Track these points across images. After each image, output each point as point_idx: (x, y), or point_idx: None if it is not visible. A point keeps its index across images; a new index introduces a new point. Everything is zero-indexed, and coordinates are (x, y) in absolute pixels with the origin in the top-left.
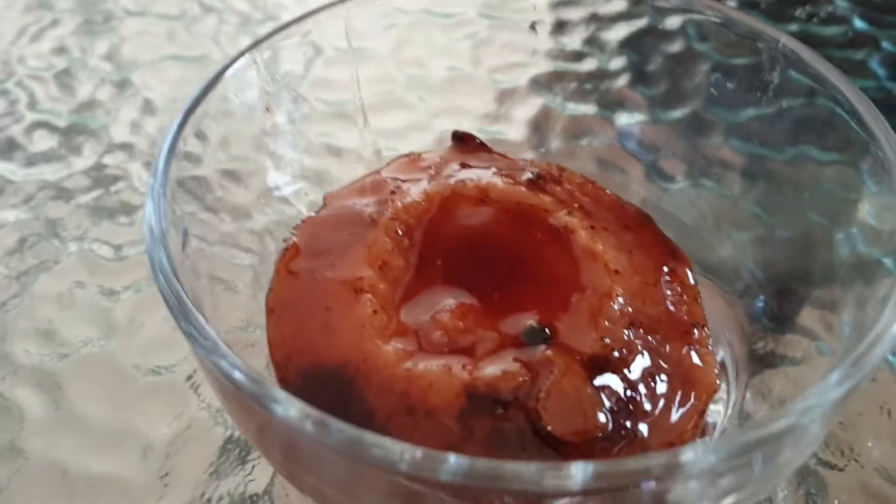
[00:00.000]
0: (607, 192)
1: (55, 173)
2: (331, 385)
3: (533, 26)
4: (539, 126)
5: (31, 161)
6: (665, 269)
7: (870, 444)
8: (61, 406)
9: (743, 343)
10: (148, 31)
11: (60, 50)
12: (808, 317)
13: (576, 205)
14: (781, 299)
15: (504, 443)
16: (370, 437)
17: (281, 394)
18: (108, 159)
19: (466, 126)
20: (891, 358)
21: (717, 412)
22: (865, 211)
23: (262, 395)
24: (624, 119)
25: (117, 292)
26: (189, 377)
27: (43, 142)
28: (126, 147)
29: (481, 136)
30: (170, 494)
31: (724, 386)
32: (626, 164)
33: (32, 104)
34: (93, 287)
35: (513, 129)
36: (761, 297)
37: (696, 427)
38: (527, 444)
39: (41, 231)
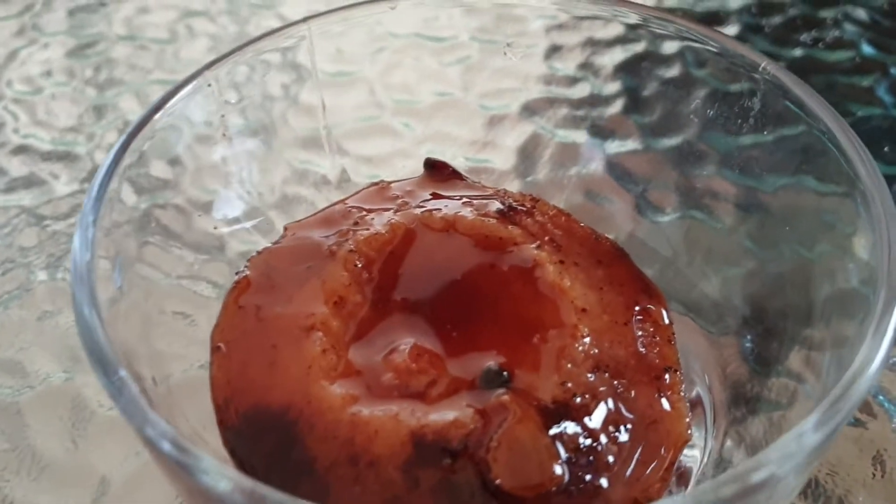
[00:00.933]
0: (581, 224)
1: (33, 199)
2: (271, 429)
3: (505, 52)
4: (527, 154)
5: (11, 187)
6: (637, 308)
7: (861, 500)
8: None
9: (725, 386)
10: (136, 55)
11: (48, 74)
12: (794, 358)
13: (546, 237)
14: (768, 339)
15: (452, 496)
16: None
17: (210, 463)
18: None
19: (452, 154)
20: (887, 405)
21: (693, 458)
22: (860, 245)
23: (189, 465)
24: (615, 147)
25: None
26: None
27: (24, 167)
28: None
29: (468, 164)
30: None
31: (702, 430)
32: (615, 195)
33: (16, 128)
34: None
35: (500, 157)
36: (748, 336)
37: (665, 481)
38: (475, 498)
39: (14, 258)
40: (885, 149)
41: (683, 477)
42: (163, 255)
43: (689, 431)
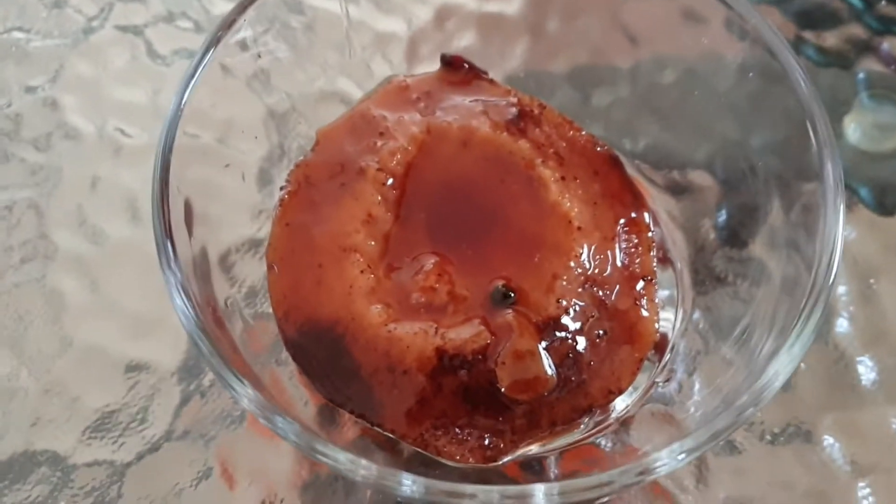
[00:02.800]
0: (582, 132)
1: None
2: (323, 341)
3: None
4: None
5: None
6: (623, 220)
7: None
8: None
9: (697, 263)
10: None
11: None
12: (762, 237)
13: (551, 150)
14: (741, 214)
15: (468, 398)
16: None
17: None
18: None
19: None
20: None
21: (667, 320)
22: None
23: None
24: None
25: None
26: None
27: None
28: None
29: (477, 9)
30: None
31: (677, 295)
32: (619, 52)
33: None
34: None
35: (509, 5)
36: (724, 210)
37: (634, 374)
38: (486, 399)
39: None
40: None
41: (660, 343)
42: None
43: (658, 333)
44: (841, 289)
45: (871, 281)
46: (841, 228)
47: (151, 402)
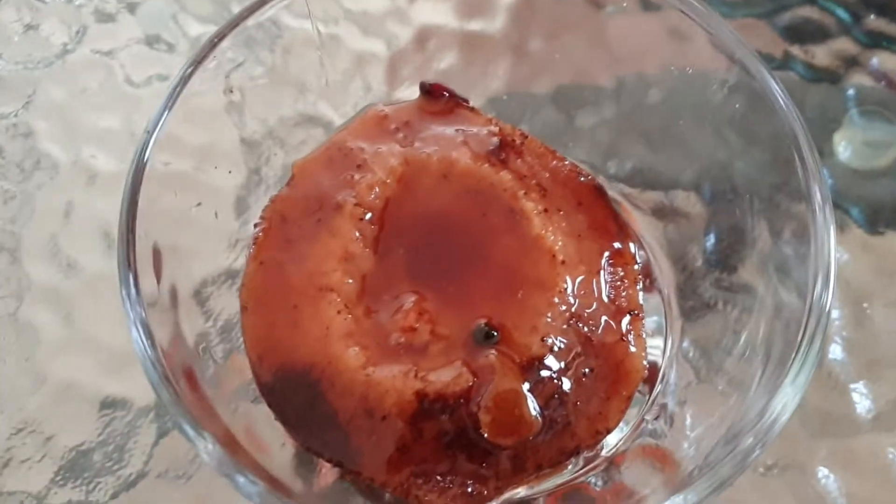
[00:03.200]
0: (566, 162)
1: None
2: (299, 386)
3: None
4: (521, 18)
5: None
6: (608, 253)
7: None
8: None
9: (685, 290)
10: None
11: None
12: (751, 261)
13: (533, 182)
14: (730, 238)
15: (450, 443)
16: None
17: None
18: None
19: (442, 12)
20: None
21: (656, 348)
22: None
23: None
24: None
25: None
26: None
27: None
28: None
29: (459, 29)
30: None
31: (665, 323)
32: (603, 72)
33: None
34: None
35: (491, 24)
36: (712, 233)
37: (622, 412)
38: (469, 444)
39: None
40: None
41: (650, 374)
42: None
43: (646, 370)
44: (834, 313)
45: (865, 305)
46: (833, 254)
47: (127, 440)
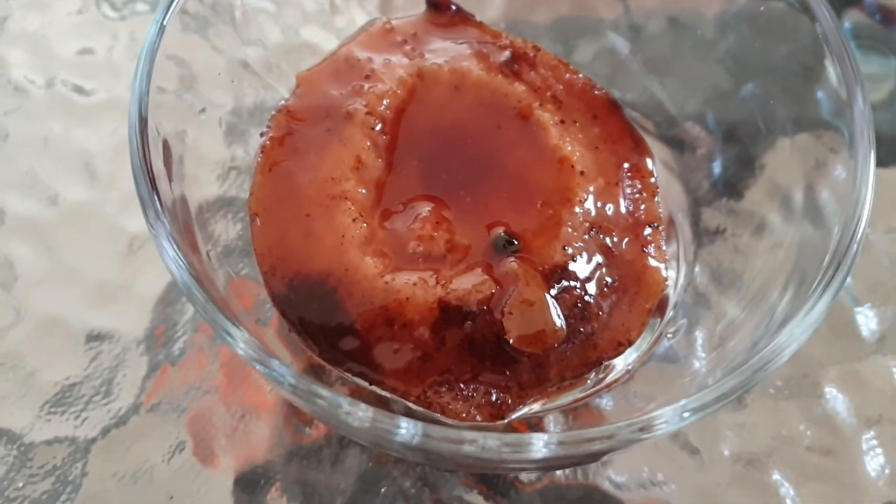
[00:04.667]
0: (580, 75)
1: None
2: (315, 295)
3: None
4: None
5: None
6: (627, 165)
7: None
8: None
9: (695, 214)
10: None
11: None
12: (759, 188)
13: (548, 93)
14: (737, 165)
15: (473, 351)
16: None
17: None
18: None
19: None
20: None
21: (670, 277)
22: (832, 74)
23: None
24: None
25: None
26: None
27: None
28: None
29: None
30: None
31: (678, 249)
32: (603, 3)
33: None
34: None
35: None
36: (718, 161)
37: (644, 324)
38: (492, 353)
39: None
40: None
41: (661, 304)
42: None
43: (666, 280)
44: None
45: (868, 231)
46: (872, 183)
47: (116, 373)
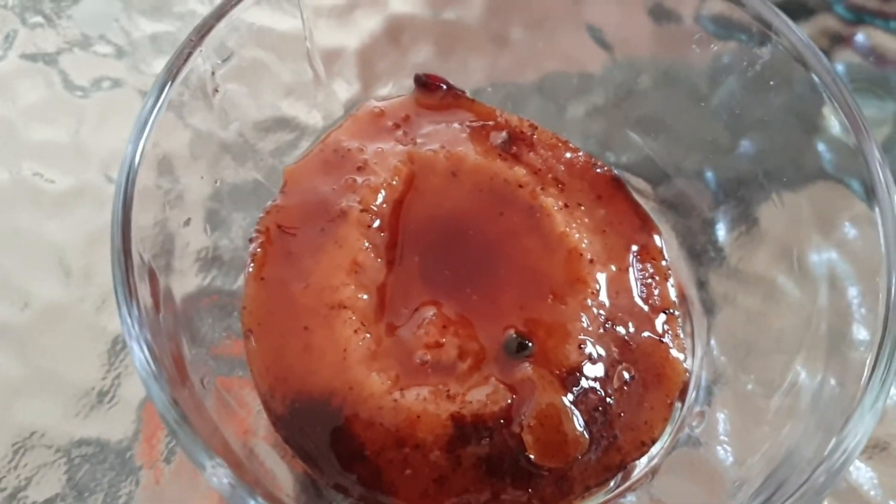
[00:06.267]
0: (580, 153)
1: None
2: (319, 417)
3: None
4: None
5: None
6: (635, 248)
7: None
8: None
9: (702, 282)
10: None
11: None
12: (766, 249)
13: (549, 175)
14: (741, 225)
15: (492, 470)
16: None
17: None
18: None
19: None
20: None
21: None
22: (832, 121)
23: None
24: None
25: None
26: None
27: None
28: None
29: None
30: None
31: (692, 324)
32: (591, 58)
33: None
34: None
35: (468, 12)
36: (721, 222)
37: (666, 420)
38: (513, 469)
39: None
40: None
41: (681, 390)
42: None
43: (687, 372)
44: (852, 290)
45: (877, 280)
46: None
47: (106, 485)
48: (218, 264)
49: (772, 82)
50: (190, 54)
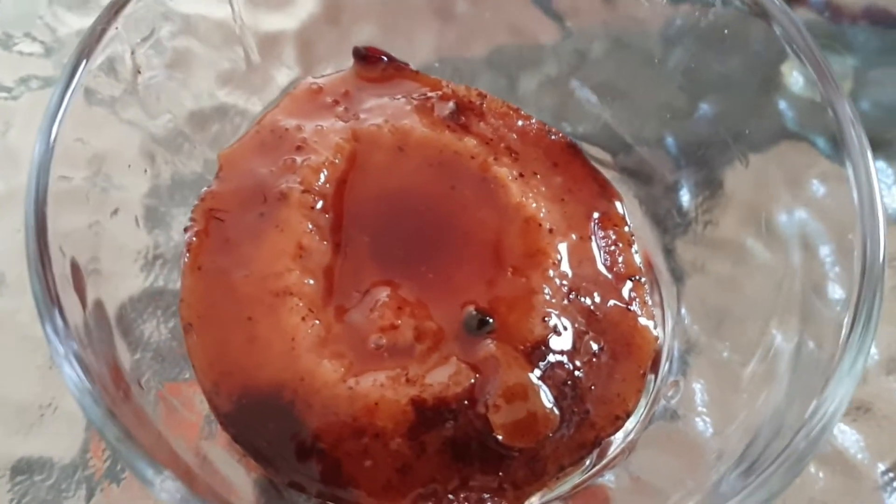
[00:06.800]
0: (532, 121)
1: None
2: (269, 413)
3: None
4: None
5: None
6: (596, 215)
7: None
8: None
9: (669, 250)
10: None
11: None
12: (733, 213)
13: (502, 145)
14: (705, 190)
15: (459, 455)
16: None
17: None
18: None
19: None
20: None
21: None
22: (792, 78)
23: None
24: None
25: None
26: None
27: None
28: None
29: None
30: None
31: (660, 292)
32: (541, 29)
33: None
34: None
35: None
36: (685, 187)
37: (640, 391)
38: (481, 452)
39: None
40: None
41: (653, 361)
42: None
43: (657, 339)
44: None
45: (850, 236)
46: (877, 187)
47: None
48: (160, 263)
49: (727, 42)
50: (104, 31)
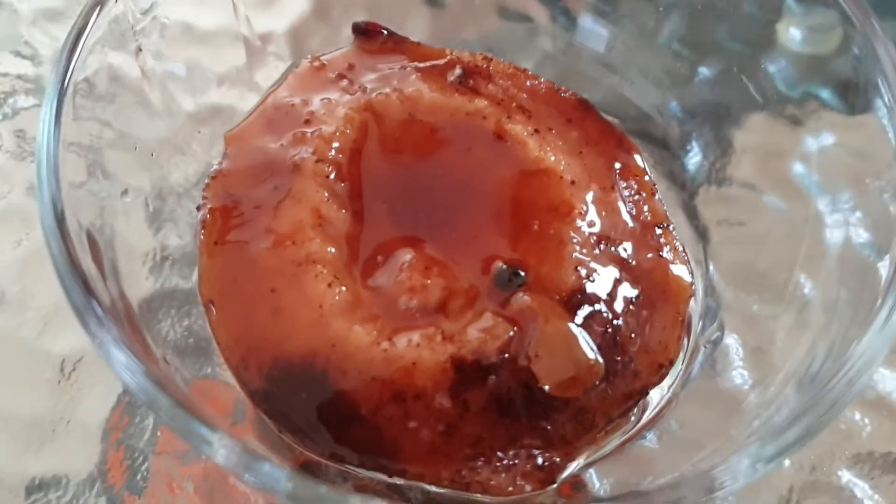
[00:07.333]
0: (541, 80)
1: None
2: (302, 383)
3: None
4: None
5: None
6: (618, 166)
7: None
8: None
9: (690, 209)
10: None
11: None
12: (747, 168)
13: (513, 104)
14: (717, 148)
15: (504, 411)
16: None
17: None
18: None
19: None
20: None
21: None
22: (788, 35)
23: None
24: None
25: None
26: None
27: None
28: None
29: None
30: None
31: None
32: (531, 9)
33: None
34: None
35: None
36: (696, 147)
37: (680, 339)
38: (526, 406)
39: None
40: None
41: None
42: None
43: (692, 284)
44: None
45: (868, 180)
46: None
47: None
48: (169, 264)
49: (720, 4)
50: (99, 30)
